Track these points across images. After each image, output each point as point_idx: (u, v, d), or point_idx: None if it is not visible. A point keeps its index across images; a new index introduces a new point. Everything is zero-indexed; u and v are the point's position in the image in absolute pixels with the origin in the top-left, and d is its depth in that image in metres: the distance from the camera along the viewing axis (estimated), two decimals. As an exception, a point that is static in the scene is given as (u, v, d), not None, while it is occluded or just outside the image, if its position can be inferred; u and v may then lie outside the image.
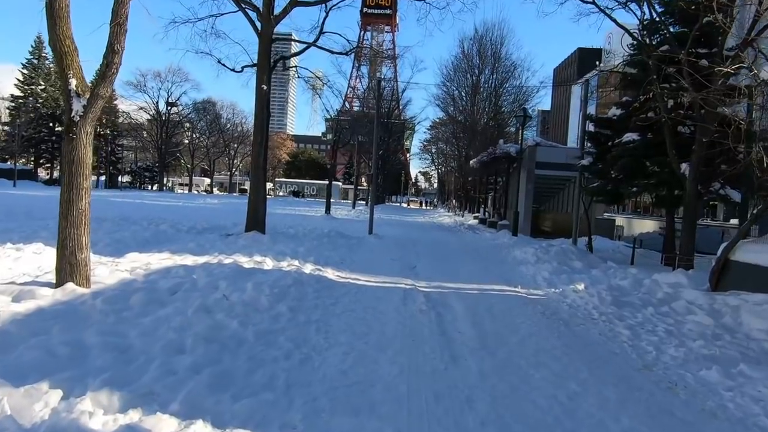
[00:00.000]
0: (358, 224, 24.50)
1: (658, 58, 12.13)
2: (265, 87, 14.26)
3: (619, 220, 24.06)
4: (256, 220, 14.62)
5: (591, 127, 17.19)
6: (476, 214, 35.37)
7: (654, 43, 13.60)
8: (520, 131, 20.50)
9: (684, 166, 12.54)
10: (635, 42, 15.36)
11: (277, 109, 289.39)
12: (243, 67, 16.24)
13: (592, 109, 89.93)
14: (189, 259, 9.81)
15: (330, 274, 9.84)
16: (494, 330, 6.74)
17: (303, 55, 19.57)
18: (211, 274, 8.20)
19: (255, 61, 14.73)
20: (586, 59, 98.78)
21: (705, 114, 11.44)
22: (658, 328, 7.31)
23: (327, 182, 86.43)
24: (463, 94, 48.56)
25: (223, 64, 16.75)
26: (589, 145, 17.33)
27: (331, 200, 74.93)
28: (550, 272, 11.88)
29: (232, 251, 11.15)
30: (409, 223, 31.95)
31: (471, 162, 29.32)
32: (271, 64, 14.75)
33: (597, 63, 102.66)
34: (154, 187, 76.46)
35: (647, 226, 27.91)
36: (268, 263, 9.84)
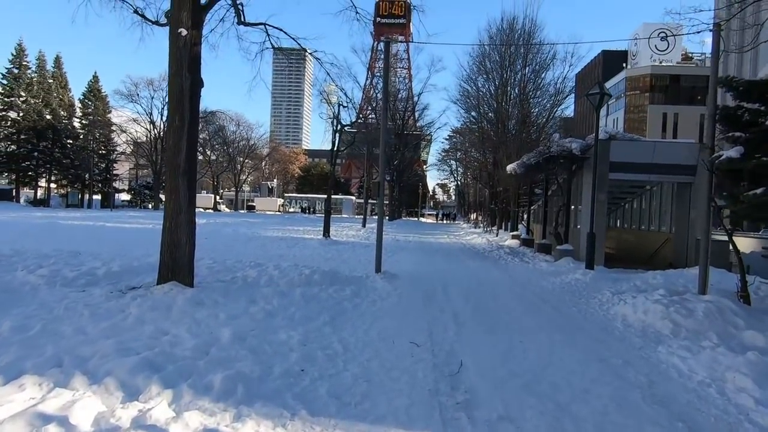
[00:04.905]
0: (364, 252, 18.21)
1: None
2: (184, 32, 8.13)
3: (741, 243, 17.34)
4: (174, 262, 8.39)
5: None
6: (514, 233, 28.84)
7: None
8: (596, 116, 14.01)
9: None
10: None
11: (292, 123, 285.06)
12: (167, 14, 10.10)
13: (620, 115, 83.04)
14: None
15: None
16: None
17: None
18: None
19: (176, -4, 8.60)
20: (610, 62, 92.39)
21: None
22: None
23: (335, 196, 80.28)
24: (489, 93, 42.21)
25: (142, 15, 10.68)
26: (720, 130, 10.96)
27: (344, 215, 68.89)
28: (750, 377, 5.49)
29: (39, 361, 4.89)
30: (431, 246, 25.51)
31: (509, 167, 22.89)
32: (200, -1, 8.62)
33: (624, 65, 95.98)
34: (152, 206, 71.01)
35: (744, 245, 21.16)
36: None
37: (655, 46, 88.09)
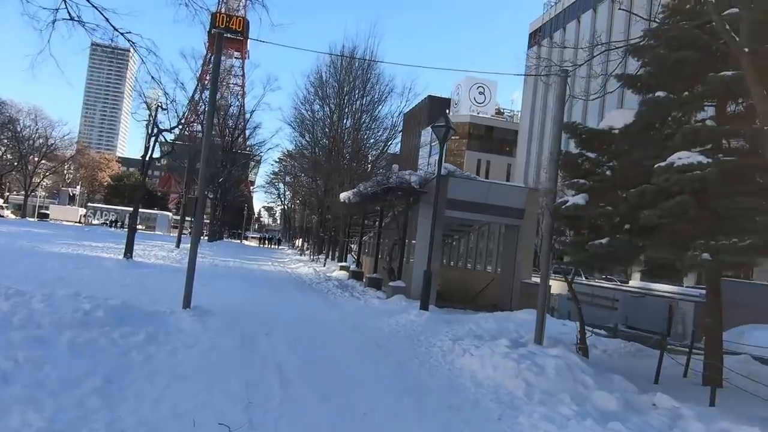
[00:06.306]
0: (174, 277, 15.44)
1: None
2: None
3: (555, 286, 18.03)
4: None
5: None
6: (343, 264, 27.81)
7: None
8: (440, 149, 13.45)
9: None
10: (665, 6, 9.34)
11: (107, 126, 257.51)
12: None
13: (435, 159, 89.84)
14: None
15: None
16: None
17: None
18: None
19: None
20: (435, 107, 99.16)
21: None
22: None
23: (149, 210, 73.08)
24: (325, 119, 41.54)
25: None
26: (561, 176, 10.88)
27: (157, 232, 62.57)
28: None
29: None
30: (254, 274, 23.30)
31: (343, 195, 21.88)
32: None
33: (447, 111, 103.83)
34: None
35: (552, 287, 22.55)
36: None
37: (474, 98, 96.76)
